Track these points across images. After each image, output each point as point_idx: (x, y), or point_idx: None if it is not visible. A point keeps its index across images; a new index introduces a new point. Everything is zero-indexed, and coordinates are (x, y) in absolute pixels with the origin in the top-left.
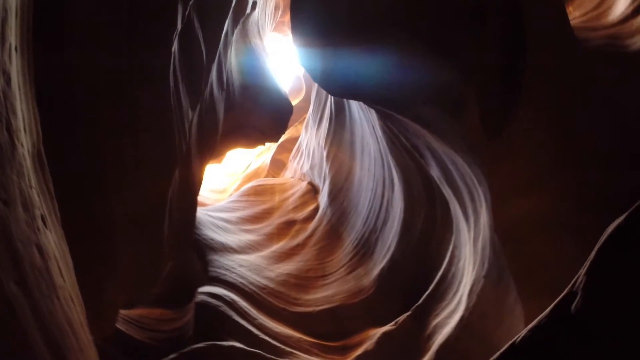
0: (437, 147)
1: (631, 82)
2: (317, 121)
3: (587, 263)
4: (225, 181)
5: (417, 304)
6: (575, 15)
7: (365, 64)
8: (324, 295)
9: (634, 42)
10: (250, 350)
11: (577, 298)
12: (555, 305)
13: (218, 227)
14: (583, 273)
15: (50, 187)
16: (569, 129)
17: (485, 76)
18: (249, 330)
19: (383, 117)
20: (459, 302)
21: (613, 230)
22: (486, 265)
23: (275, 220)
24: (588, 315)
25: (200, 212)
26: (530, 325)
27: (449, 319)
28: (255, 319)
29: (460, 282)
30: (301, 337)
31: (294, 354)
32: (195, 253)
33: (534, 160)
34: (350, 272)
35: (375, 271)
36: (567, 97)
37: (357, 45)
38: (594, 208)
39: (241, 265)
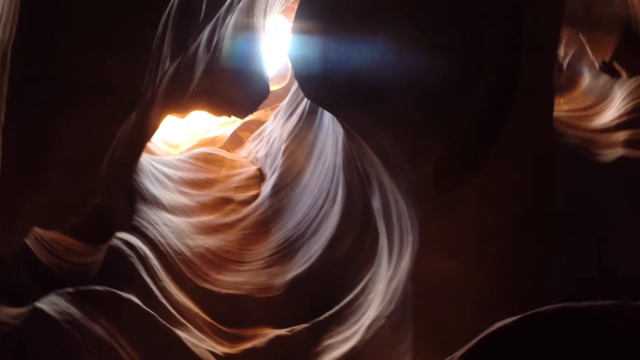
0: (386, 182)
1: (592, 187)
2: (288, 114)
3: (463, 350)
4: (181, 138)
5: (317, 319)
6: (562, 108)
7: (362, 56)
8: (233, 280)
9: (605, 154)
10: (144, 309)
11: None
12: None
13: (157, 180)
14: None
15: (3, 90)
16: (517, 214)
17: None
18: (151, 290)
19: (348, 136)
20: (356, 332)
21: (497, 329)
22: (392, 306)
23: (214, 192)
24: None
25: (145, 160)
26: None
27: (341, 344)
28: (161, 280)
29: (364, 314)
30: (198, 313)
31: (187, 327)
32: (126, 198)
33: (472, 229)
34: (266, 267)
35: (290, 275)
36: (528, 182)
37: (361, 34)
38: (508, 294)
39: (165, 225)
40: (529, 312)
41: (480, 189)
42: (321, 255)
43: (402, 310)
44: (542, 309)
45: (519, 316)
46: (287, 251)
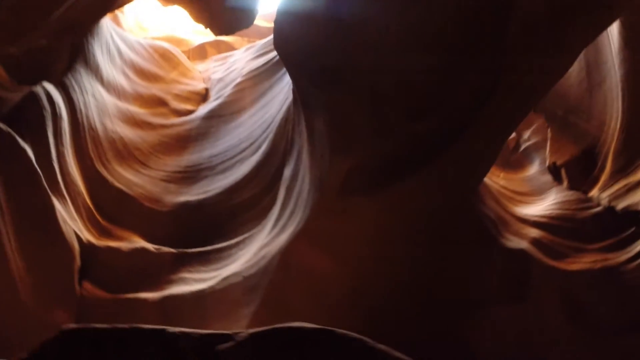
0: (303, 158)
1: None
2: (259, 54)
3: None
4: (153, 25)
5: (185, 250)
6: (499, 181)
7: (346, 34)
8: (129, 178)
9: (511, 239)
10: (33, 166)
11: None
12: None
13: (109, 51)
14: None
15: None
16: (398, 239)
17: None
18: (49, 150)
19: (294, 102)
20: (212, 278)
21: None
22: (253, 270)
23: (154, 89)
24: None
25: (107, 27)
26: None
27: (195, 282)
28: (63, 146)
29: (227, 265)
30: (82, 194)
31: (66, 201)
32: (70, 54)
33: (355, 236)
34: (165, 181)
35: (183, 198)
36: (425, 220)
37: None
38: (357, 300)
39: (94, 96)
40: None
41: (380, 205)
42: (219, 194)
43: (259, 278)
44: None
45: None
46: (191, 175)
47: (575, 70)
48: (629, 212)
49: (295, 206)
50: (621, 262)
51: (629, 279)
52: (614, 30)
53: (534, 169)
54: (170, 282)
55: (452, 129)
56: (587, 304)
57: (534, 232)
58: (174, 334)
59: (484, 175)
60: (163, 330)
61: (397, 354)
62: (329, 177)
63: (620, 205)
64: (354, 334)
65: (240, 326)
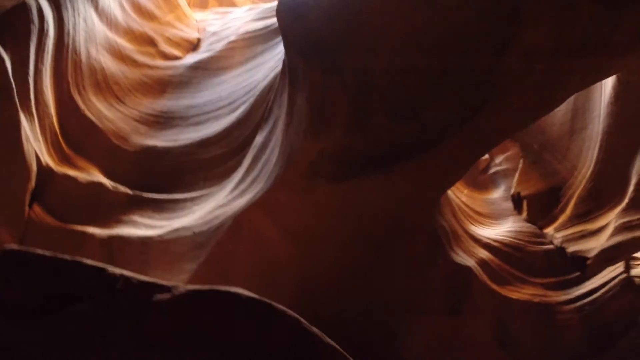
0: (278, 130)
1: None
2: (259, 17)
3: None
4: None
5: (142, 194)
6: (461, 196)
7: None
8: (102, 111)
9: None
10: (8, 78)
11: None
12: None
13: None
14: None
15: None
16: (345, 230)
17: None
18: (27, 65)
19: (282, 71)
20: (162, 227)
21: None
22: (204, 228)
23: (147, 27)
24: None
25: None
26: None
27: (144, 227)
28: (43, 65)
29: (179, 217)
30: (51, 116)
31: (33, 120)
32: None
33: (310, 216)
34: (136, 120)
35: (150, 142)
36: (379, 220)
37: None
38: (298, 273)
39: (85, 21)
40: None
41: (341, 194)
42: (187, 146)
43: (209, 236)
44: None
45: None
46: (163, 121)
47: (562, 110)
48: (577, 257)
49: (259, 174)
50: (559, 302)
51: (563, 319)
52: (608, 82)
53: (497, 193)
54: (120, 222)
55: (433, 137)
56: (518, 333)
57: (483, 254)
58: (114, 274)
59: (449, 187)
60: (104, 269)
61: (328, 341)
62: (298, 155)
63: (571, 248)
64: (292, 312)
65: (181, 280)
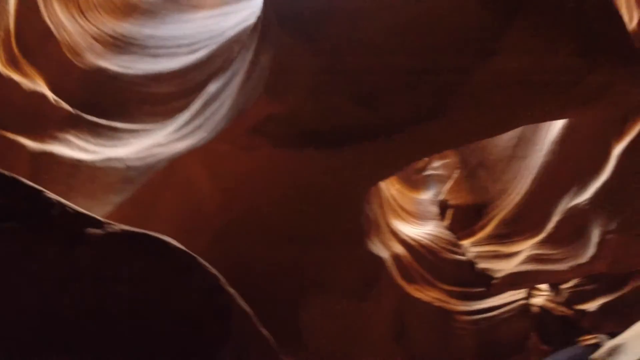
0: (234, 83)
1: None
2: None
3: None
4: None
5: (82, 114)
6: (392, 189)
7: None
8: (61, 20)
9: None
10: None
11: None
12: None
13: None
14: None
15: None
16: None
17: None
18: None
19: (254, 27)
20: (95, 153)
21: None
22: (138, 163)
23: None
24: None
25: None
26: None
27: (76, 150)
28: None
29: (115, 147)
30: (7, 15)
31: None
32: None
33: (245, 170)
34: (94, 38)
35: (102, 63)
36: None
37: None
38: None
39: None
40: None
41: (281, 160)
42: (139, 76)
43: (140, 173)
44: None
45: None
46: (121, 45)
47: (508, 134)
48: (485, 274)
49: (204, 123)
50: (458, 311)
51: (458, 328)
52: (558, 121)
53: (427, 195)
54: (54, 139)
55: (384, 128)
56: (414, 331)
57: (399, 249)
58: (50, 200)
59: (385, 179)
60: (41, 191)
61: (242, 304)
62: (249, 112)
63: (482, 265)
64: (214, 270)
65: (103, 211)
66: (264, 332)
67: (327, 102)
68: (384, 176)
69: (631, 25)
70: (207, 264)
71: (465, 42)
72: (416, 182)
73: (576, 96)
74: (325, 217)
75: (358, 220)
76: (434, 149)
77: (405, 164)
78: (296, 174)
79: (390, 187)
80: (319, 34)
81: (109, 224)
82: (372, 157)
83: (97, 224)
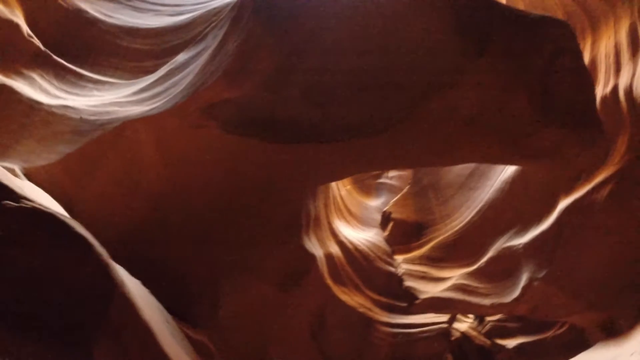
0: (201, 61)
1: None
2: None
3: None
4: None
5: (51, 54)
6: (342, 189)
7: None
8: None
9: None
10: None
11: None
12: None
13: None
14: None
15: None
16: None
17: None
18: None
19: (231, 10)
20: (55, 98)
21: None
22: (93, 118)
23: None
24: None
25: None
26: None
27: (37, 90)
28: None
29: (75, 95)
30: None
31: None
32: None
33: (187, 153)
34: None
35: (83, 5)
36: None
37: None
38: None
39: None
40: None
41: (226, 144)
42: (116, 27)
43: (91, 129)
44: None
45: None
46: None
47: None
48: (409, 292)
49: (163, 92)
50: (380, 321)
51: (376, 337)
52: None
53: (375, 202)
54: (18, 75)
55: (336, 133)
56: (332, 331)
57: (334, 249)
58: None
59: (334, 180)
60: None
61: (128, 293)
62: (205, 92)
63: (409, 283)
64: (108, 259)
65: (49, 159)
66: (146, 321)
67: (282, 97)
68: (326, 180)
69: (605, 90)
70: (103, 253)
71: (428, 67)
72: (369, 187)
73: (526, 148)
74: (262, 207)
75: (296, 215)
76: (374, 165)
77: (345, 173)
78: (240, 160)
79: (341, 187)
80: (289, 29)
81: (25, 198)
82: (315, 159)
83: (15, 198)
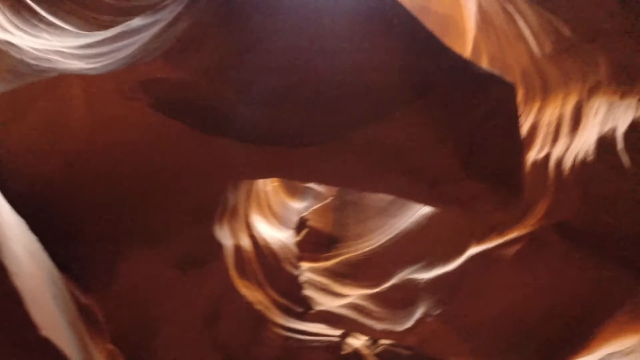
0: (150, 33)
1: None
2: None
3: None
4: None
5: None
6: (268, 185)
7: None
8: None
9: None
10: None
11: None
12: None
13: None
14: None
15: None
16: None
17: None
18: None
19: None
20: (17, 37)
21: None
22: (39, 64)
23: None
24: None
25: None
26: None
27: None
28: None
29: (32, 37)
30: None
31: None
32: None
33: (117, 118)
34: None
35: None
36: None
37: None
38: None
39: None
40: None
41: (156, 122)
42: None
43: (28, 72)
44: None
45: None
46: None
47: None
48: (305, 301)
49: (107, 53)
50: (275, 322)
51: (268, 336)
52: None
53: (298, 205)
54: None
55: (258, 136)
56: (226, 322)
57: (246, 242)
58: None
59: (250, 179)
60: None
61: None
62: (144, 67)
63: (307, 291)
64: None
65: None
66: (16, 286)
67: (217, 89)
68: (240, 176)
69: (539, 155)
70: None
71: (368, 95)
72: (296, 188)
73: (443, 193)
74: (177, 187)
75: (211, 201)
76: (293, 176)
77: (260, 175)
78: (163, 138)
79: (268, 183)
80: (241, 26)
81: None
82: (232, 155)
83: None
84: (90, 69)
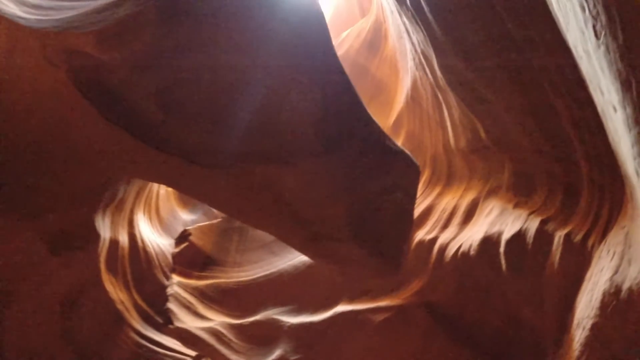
0: (92, 6)
1: None
2: None
3: None
4: None
5: None
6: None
7: None
8: None
9: None
10: None
11: None
12: None
13: None
14: None
15: None
16: None
17: None
18: None
19: None
20: None
21: None
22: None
23: None
24: None
25: None
26: None
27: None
28: None
29: None
30: None
31: None
32: None
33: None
34: None
35: None
36: None
37: None
38: None
39: None
40: None
41: (69, 92)
42: None
43: None
44: None
45: None
46: None
47: None
48: (167, 314)
49: (45, 9)
50: (131, 326)
51: (122, 339)
52: None
53: (186, 216)
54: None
55: (162, 141)
56: (81, 315)
57: (123, 239)
58: None
59: (141, 179)
60: None
61: None
62: (74, 37)
63: (172, 305)
64: None
65: None
66: None
67: (138, 83)
68: (133, 175)
69: (426, 236)
70: None
71: (277, 139)
72: (188, 200)
73: (322, 248)
74: (70, 165)
75: (99, 189)
76: (182, 189)
77: (150, 180)
78: (69, 114)
79: (162, 186)
80: (181, 26)
81: None
82: (130, 153)
83: None
84: (23, 18)
